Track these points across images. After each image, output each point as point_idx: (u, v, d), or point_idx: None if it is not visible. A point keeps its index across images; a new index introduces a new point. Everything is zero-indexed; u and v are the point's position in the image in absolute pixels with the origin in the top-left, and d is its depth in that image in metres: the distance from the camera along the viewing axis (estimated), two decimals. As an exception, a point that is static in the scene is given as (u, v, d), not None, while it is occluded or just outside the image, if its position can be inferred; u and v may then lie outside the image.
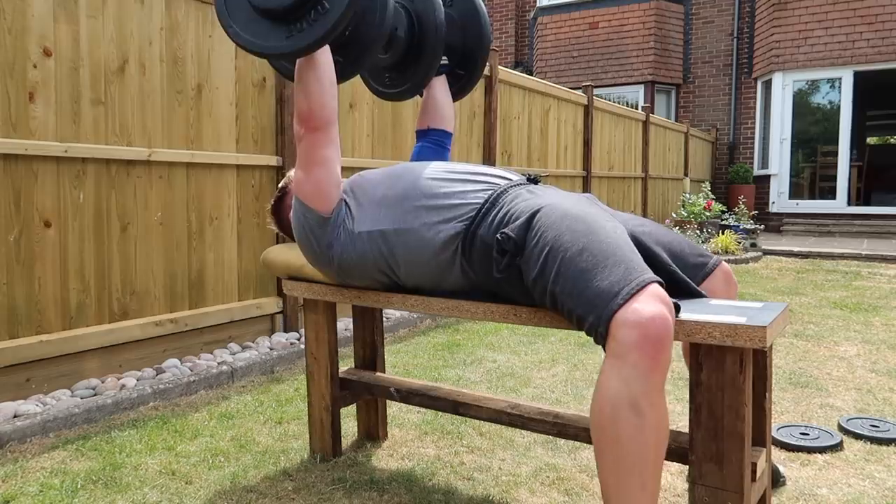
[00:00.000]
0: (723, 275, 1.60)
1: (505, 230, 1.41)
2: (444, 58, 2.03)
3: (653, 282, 1.22)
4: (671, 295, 1.43)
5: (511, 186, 1.57)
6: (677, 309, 1.28)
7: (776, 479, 1.79)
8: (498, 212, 1.50)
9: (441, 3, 1.95)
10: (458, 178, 1.59)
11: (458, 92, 2.12)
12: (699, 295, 1.50)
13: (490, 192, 1.55)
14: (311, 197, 1.62)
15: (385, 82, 2.07)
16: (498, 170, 1.68)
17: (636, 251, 1.32)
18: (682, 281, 1.50)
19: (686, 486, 1.82)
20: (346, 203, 1.66)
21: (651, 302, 1.18)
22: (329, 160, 1.62)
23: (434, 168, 1.64)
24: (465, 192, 1.56)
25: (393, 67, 2.03)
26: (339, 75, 1.73)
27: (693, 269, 1.57)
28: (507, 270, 1.42)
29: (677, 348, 3.08)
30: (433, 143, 2.03)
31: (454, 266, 1.55)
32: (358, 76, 2.13)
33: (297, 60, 1.58)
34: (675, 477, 1.88)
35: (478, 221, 1.50)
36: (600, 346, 1.24)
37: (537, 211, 1.41)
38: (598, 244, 1.29)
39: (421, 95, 2.07)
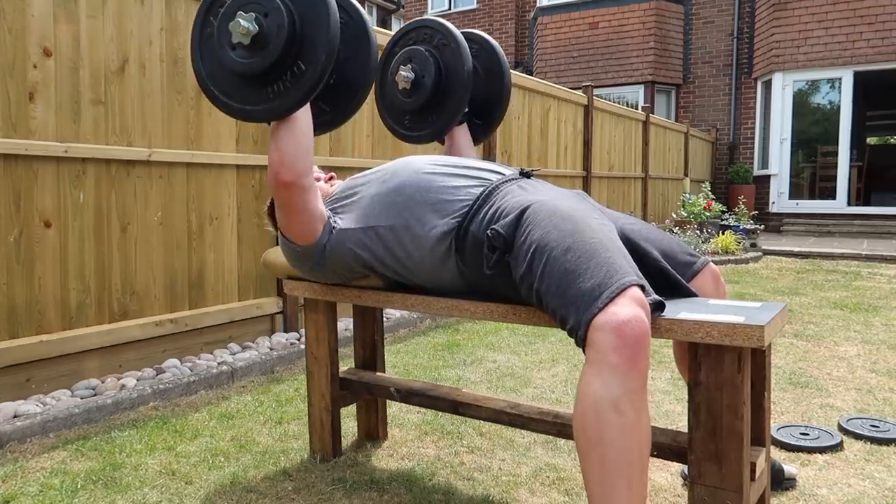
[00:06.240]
0: (711, 275, 1.60)
1: (495, 227, 1.41)
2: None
3: (632, 285, 1.22)
4: (662, 292, 1.43)
5: (503, 182, 1.57)
6: (661, 306, 1.28)
7: (779, 480, 1.78)
8: (489, 208, 1.50)
9: (470, 55, 1.95)
10: (450, 173, 1.59)
11: (474, 139, 2.16)
12: (690, 292, 1.50)
13: (482, 188, 1.55)
14: (296, 238, 1.62)
15: (405, 124, 2.09)
16: (491, 164, 1.68)
17: (623, 250, 1.32)
18: (672, 278, 1.50)
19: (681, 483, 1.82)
20: (334, 211, 1.65)
21: (628, 305, 1.18)
22: (309, 205, 1.57)
23: (427, 163, 1.63)
24: (458, 187, 1.55)
25: (414, 112, 2.05)
26: (328, 125, 1.70)
27: (682, 268, 1.57)
28: (496, 267, 1.42)
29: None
30: None
31: (448, 263, 1.55)
32: (376, 108, 2.14)
33: None
34: (675, 477, 1.88)
35: (470, 218, 1.50)
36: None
37: (527, 208, 1.41)
38: (583, 244, 1.29)
39: (442, 143, 2.11)
